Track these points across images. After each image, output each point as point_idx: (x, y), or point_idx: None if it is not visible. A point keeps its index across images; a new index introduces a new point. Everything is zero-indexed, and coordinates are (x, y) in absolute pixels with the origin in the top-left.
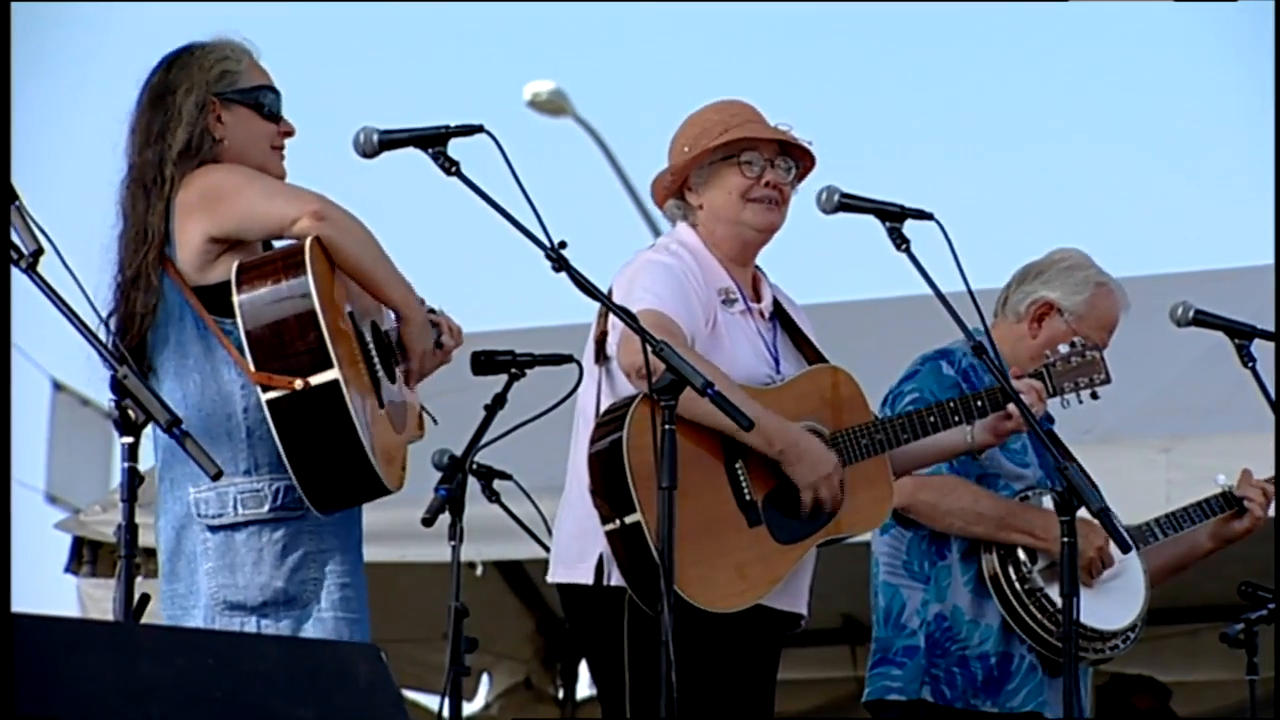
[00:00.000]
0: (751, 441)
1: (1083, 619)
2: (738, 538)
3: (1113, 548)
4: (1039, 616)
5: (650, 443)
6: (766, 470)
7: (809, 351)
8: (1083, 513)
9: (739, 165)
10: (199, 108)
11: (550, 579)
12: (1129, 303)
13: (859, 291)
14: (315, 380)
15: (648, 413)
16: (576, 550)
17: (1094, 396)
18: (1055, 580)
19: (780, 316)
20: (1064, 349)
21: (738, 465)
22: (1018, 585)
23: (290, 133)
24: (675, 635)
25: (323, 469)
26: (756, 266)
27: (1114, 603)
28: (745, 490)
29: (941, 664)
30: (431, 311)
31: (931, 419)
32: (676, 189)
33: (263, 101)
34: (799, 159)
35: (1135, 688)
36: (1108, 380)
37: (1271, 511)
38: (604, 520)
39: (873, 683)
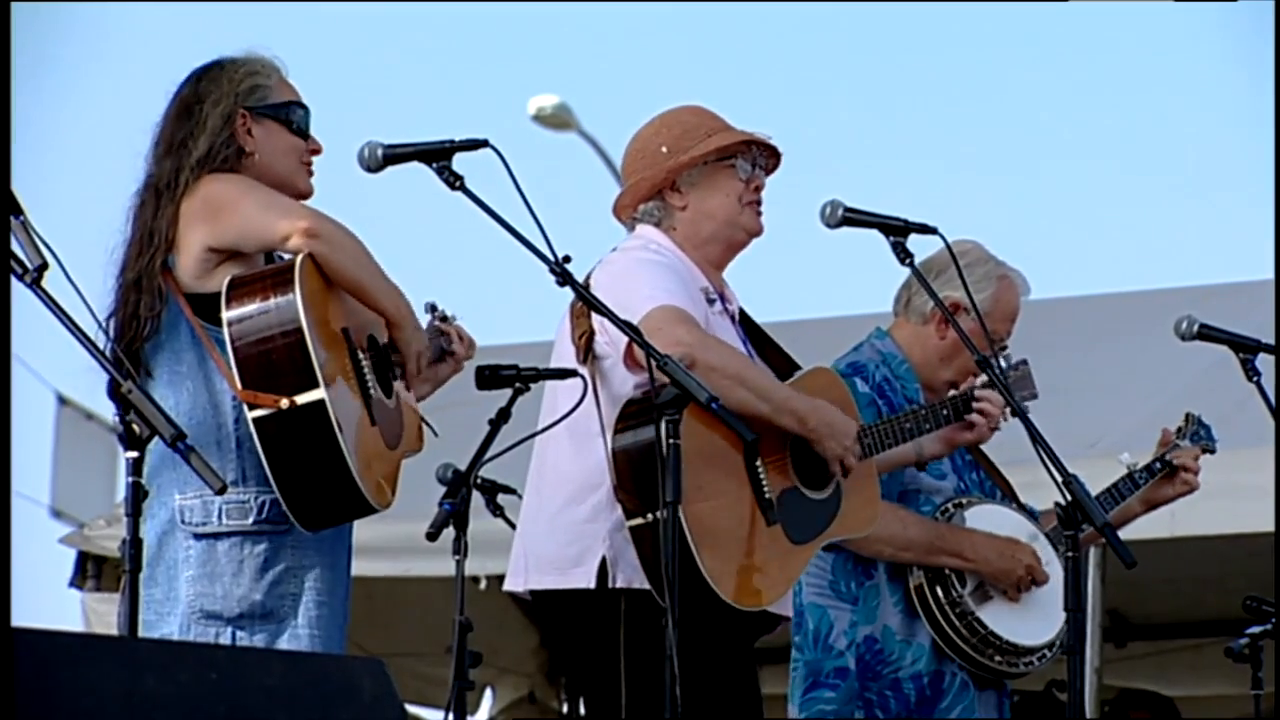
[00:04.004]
0: (785, 423)
1: (1004, 634)
2: (759, 536)
3: (1045, 565)
4: (969, 637)
5: (691, 432)
6: (780, 471)
7: (773, 356)
8: (1001, 528)
9: (735, 169)
10: (225, 119)
11: (529, 586)
12: (1029, 289)
13: (855, 307)
14: (301, 399)
15: (692, 407)
16: (572, 555)
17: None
18: (985, 600)
19: (744, 320)
20: (1003, 364)
21: (758, 464)
22: (948, 608)
23: (318, 150)
24: (690, 636)
25: (308, 487)
26: None
27: (1037, 618)
28: (765, 489)
29: (874, 687)
30: (444, 320)
31: (908, 425)
32: (656, 191)
33: (292, 117)
34: (768, 162)
35: (1138, 703)
36: (1035, 395)
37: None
38: (629, 515)
39: (806, 708)
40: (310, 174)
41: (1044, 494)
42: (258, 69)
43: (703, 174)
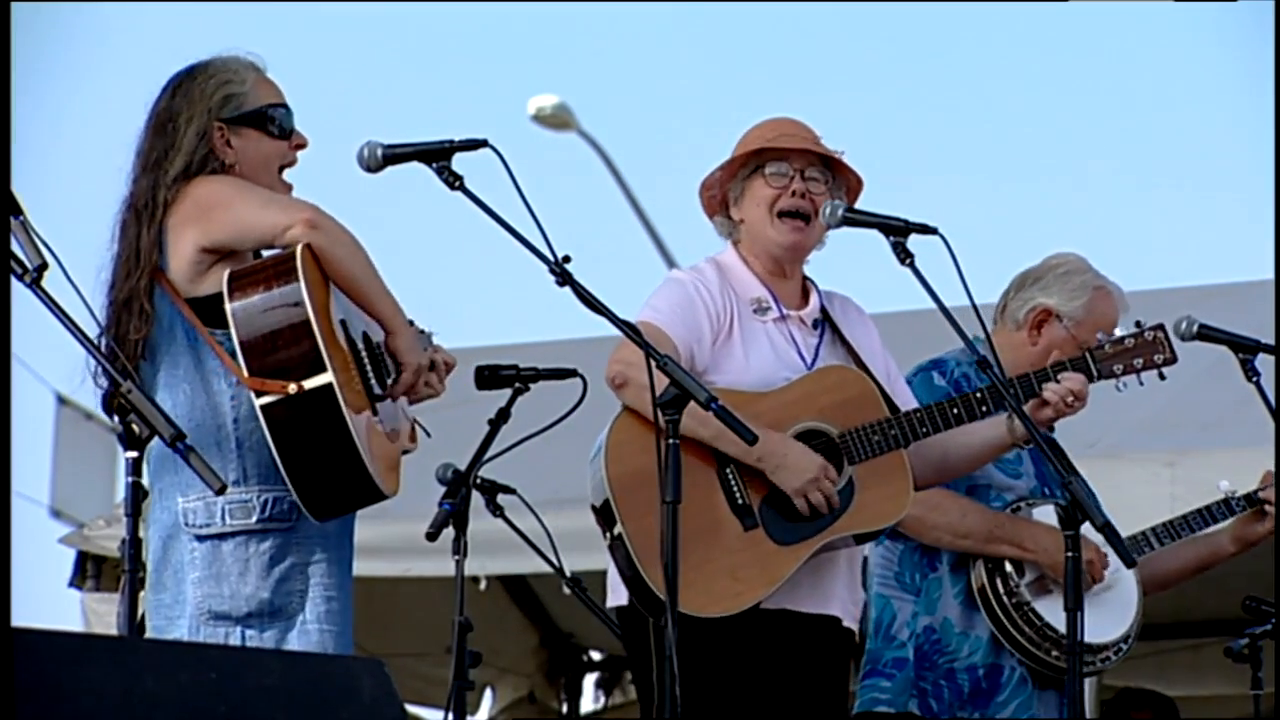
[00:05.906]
0: (733, 452)
1: (1061, 627)
2: (730, 542)
3: (1109, 559)
4: (1026, 630)
5: (627, 455)
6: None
7: (856, 361)
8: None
9: (764, 177)
10: (200, 136)
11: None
12: (1128, 305)
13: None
14: (309, 384)
15: (625, 424)
16: (616, 575)
17: (1160, 377)
18: (1044, 593)
19: (831, 325)
20: (1119, 331)
21: (729, 470)
22: (1005, 599)
23: (303, 145)
24: (700, 647)
25: (318, 474)
26: (807, 277)
27: (1105, 615)
28: (738, 494)
29: (929, 677)
30: (421, 334)
31: (955, 410)
32: (719, 206)
33: (270, 120)
34: (841, 175)
35: (1140, 703)
36: (1172, 359)
37: None
38: (603, 534)
39: (862, 694)
40: (287, 178)
41: None
42: (230, 76)
43: (744, 186)
